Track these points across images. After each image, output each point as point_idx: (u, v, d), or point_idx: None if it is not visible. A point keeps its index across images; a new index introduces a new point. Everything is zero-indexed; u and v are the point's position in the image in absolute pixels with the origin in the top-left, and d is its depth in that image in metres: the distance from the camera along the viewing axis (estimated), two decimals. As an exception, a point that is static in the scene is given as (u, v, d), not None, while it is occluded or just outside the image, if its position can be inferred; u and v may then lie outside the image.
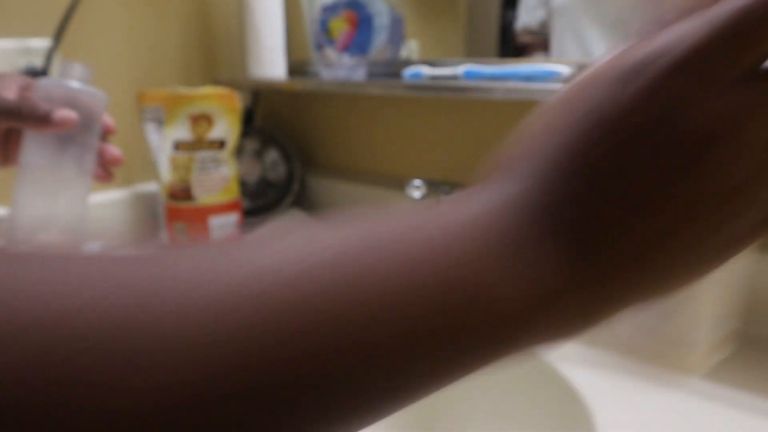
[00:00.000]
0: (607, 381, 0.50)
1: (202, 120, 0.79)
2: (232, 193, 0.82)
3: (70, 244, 0.16)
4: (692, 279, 0.20)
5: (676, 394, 0.48)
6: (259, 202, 0.90)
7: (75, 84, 0.49)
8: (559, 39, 0.71)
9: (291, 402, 0.15)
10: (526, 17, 0.73)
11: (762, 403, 0.46)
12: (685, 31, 0.17)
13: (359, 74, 0.77)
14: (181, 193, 0.79)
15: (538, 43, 0.74)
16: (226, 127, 0.80)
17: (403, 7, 0.81)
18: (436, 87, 0.66)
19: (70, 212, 0.50)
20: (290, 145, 0.92)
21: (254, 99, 0.98)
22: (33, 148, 0.48)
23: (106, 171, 0.53)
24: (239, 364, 0.14)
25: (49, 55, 0.74)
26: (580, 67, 0.61)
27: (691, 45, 0.17)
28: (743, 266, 0.53)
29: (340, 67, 0.77)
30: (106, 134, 0.53)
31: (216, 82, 0.91)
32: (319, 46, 0.78)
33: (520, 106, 0.71)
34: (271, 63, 0.87)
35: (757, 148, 0.17)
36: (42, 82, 0.48)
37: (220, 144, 0.79)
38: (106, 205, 0.85)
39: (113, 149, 0.53)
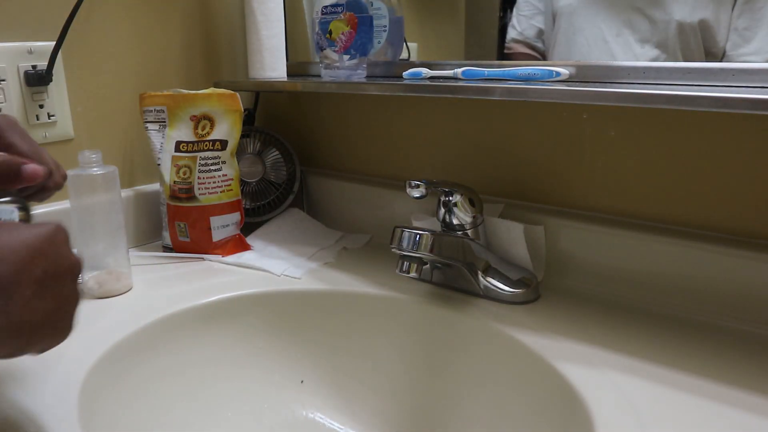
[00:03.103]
0: (607, 381, 0.50)
1: (203, 120, 0.79)
2: (234, 193, 0.82)
3: None
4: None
5: (676, 393, 0.48)
6: (260, 202, 0.91)
7: None
8: (564, 39, 0.71)
9: None
10: (521, 27, 0.73)
11: (762, 402, 0.47)
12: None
13: (359, 75, 0.77)
14: (183, 193, 0.79)
15: (530, 52, 0.74)
16: (227, 128, 0.80)
17: (403, 9, 0.82)
18: (435, 87, 0.67)
19: None
20: (291, 146, 0.93)
21: (255, 100, 0.99)
22: None
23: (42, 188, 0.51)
24: None
25: (53, 58, 0.74)
26: (579, 68, 0.62)
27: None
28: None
29: (340, 69, 0.77)
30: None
31: (217, 83, 0.91)
32: (320, 48, 0.78)
33: (519, 107, 0.72)
34: (271, 64, 0.87)
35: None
36: None
37: (222, 144, 0.80)
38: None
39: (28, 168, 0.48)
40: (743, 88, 0.52)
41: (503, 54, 0.76)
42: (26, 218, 0.47)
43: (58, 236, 0.41)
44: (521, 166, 0.73)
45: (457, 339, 0.63)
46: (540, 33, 0.73)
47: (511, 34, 0.74)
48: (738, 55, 0.60)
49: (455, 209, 0.65)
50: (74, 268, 0.42)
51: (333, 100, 0.93)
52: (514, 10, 0.73)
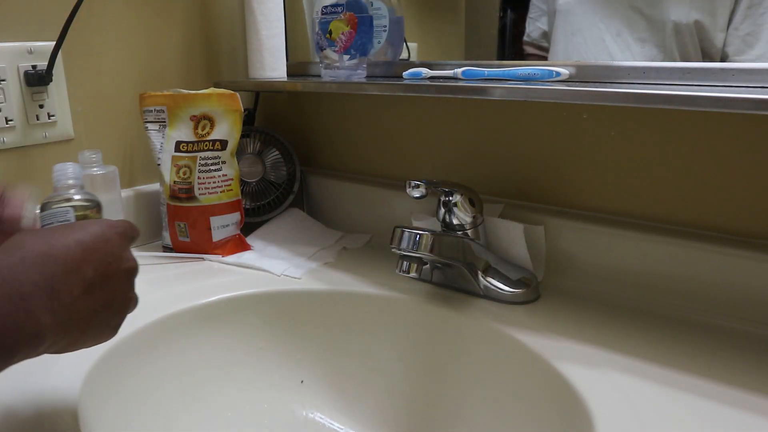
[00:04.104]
0: (607, 381, 0.50)
1: (203, 120, 0.79)
2: (234, 193, 0.82)
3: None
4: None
5: (676, 393, 0.48)
6: (260, 202, 0.91)
7: None
8: (563, 39, 0.72)
9: None
10: (530, 29, 0.74)
11: (762, 402, 0.47)
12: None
13: (359, 75, 0.77)
14: (183, 193, 0.79)
15: (539, 53, 0.74)
16: (227, 128, 0.80)
17: (403, 9, 0.82)
18: (435, 87, 0.67)
19: None
20: (291, 146, 0.93)
21: (255, 100, 0.99)
22: None
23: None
24: None
25: (53, 58, 0.74)
26: (579, 68, 0.62)
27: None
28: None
29: (340, 69, 0.77)
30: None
31: (217, 83, 0.91)
32: (320, 48, 0.78)
33: (519, 107, 0.72)
34: (271, 64, 0.87)
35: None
36: None
37: (222, 144, 0.80)
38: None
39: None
40: (743, 88, 0.52)
41: (503, 54, 0.76)
42: (88, 217, 0.46)
43: (114, 236, 0.40)
44: (521, 165, 0.73)
45: (457, 339, 0.63)
46: (544, 34, 0.73)
47: (524, 36, 0.74)
48: (741, 60, 0.60)
49: (455, 209, 0.65)
50: (129, 270, 0.41)
51: (333, 100, 0.93)
52: (528, 12, 0.74)
